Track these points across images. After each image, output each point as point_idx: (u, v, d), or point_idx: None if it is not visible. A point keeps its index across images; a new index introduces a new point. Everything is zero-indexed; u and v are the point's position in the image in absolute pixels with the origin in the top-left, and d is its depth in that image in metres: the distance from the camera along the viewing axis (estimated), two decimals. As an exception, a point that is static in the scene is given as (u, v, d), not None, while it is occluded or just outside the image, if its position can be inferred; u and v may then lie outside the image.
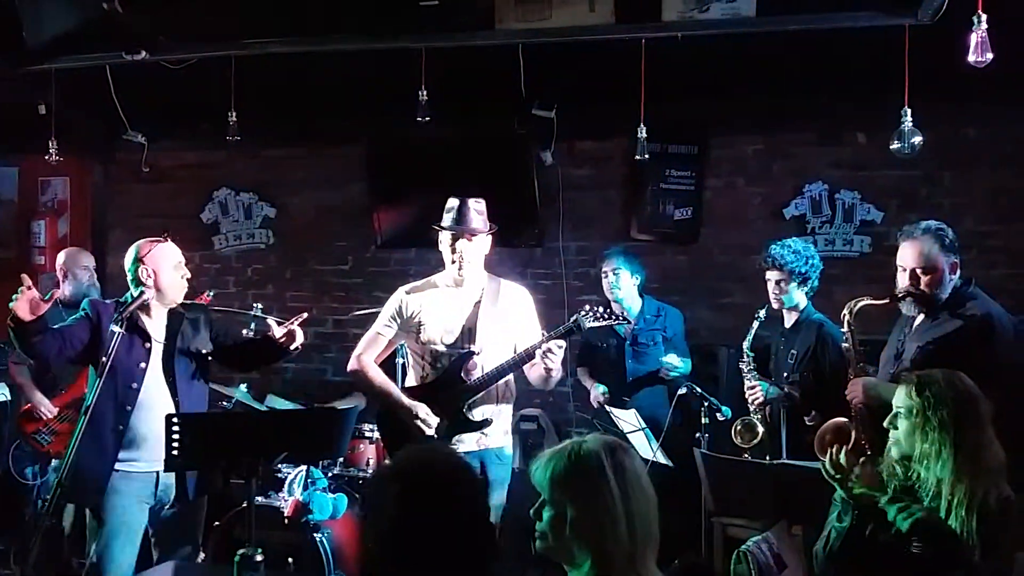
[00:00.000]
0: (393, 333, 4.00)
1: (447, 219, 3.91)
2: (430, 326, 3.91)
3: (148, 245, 3.78)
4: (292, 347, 3.77)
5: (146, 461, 3.62)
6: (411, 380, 4.03)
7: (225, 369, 4.36)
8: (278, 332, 3.73)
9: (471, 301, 3.92)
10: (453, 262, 3.88)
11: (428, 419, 3.82)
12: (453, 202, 3.90)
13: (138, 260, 3.74)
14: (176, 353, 3.75)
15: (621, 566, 2.00)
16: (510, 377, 3.90)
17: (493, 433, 3.90)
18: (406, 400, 3.87)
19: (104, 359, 3.44)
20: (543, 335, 3.81)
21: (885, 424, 2.88)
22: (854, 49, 4.64)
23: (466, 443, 3.85)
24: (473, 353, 3.86)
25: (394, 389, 3.99)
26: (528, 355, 3.78)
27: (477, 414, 3.86)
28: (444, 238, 3.92)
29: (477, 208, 3.89)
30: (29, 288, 3.43)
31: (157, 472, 3.62)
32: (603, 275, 5.05)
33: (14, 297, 3.42)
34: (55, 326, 3.63)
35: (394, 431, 3.97)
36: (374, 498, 1.80)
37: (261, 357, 4.00)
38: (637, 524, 2.02)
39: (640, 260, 5.09)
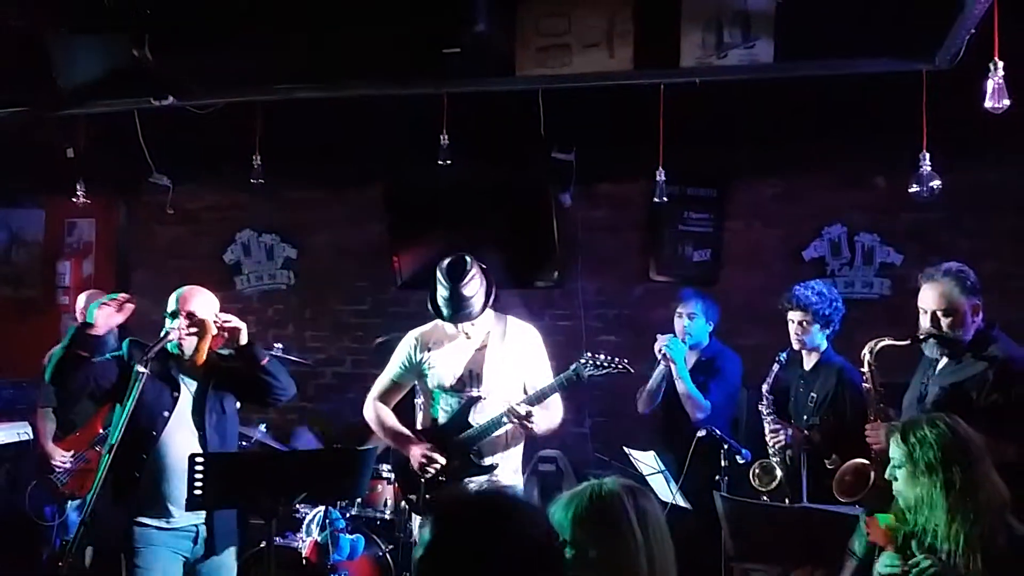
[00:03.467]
0: (404, 377, 4.05)
1: (443, 305, 3.82)
2: (437, 370, 3.94)
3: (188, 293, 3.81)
4: (242, 342, 3.78)
5: (183, 517, 3.58)
6: (421, 422, 4.07)
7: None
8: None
9: (476, 345, 3.94)
10: (461, 332, 3.91)
11: (432, 456, 3.82)
12: (443, 289, 3.79)
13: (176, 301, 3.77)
14: (207, 402, 3.72)
15: None
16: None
17: (503, 473, 3.92)
18: (413, 441, 3.91)
19: (128, 399, 3.40)
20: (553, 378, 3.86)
21: (886, 475, 2.83)
22: (872, 93, 4.66)
23: (477, 485, 3.85)
24: (480, 398, 3.89)
25: (403, 431, 4.00)
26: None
27: (485, 457, 3.89)
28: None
29: (468, 291, 3.77)
30: (125, 303, 3.59)
31: (198, 528, 3.62)
32: (677, 315, 4.85)
33: (103, 301, 3.59)
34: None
35: (407, 473, 3.98)
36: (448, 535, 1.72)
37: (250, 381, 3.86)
38: (657, 568, 2.01)
39: (716, 307, 4.92)
